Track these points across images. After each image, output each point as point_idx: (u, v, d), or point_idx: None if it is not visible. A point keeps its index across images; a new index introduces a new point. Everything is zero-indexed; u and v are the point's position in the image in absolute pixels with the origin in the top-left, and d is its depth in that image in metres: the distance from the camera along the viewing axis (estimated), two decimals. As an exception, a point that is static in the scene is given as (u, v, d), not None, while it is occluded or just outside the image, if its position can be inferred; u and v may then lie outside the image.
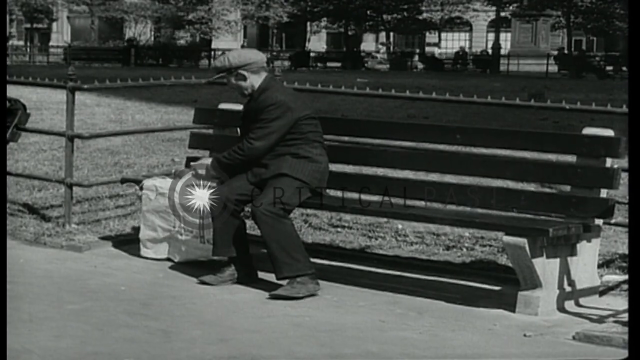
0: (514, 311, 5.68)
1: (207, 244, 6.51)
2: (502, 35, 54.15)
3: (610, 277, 6.32)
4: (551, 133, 7.34)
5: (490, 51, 54.92)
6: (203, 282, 6.20)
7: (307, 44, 60.76)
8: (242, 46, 57.32)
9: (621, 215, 7.09)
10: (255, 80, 6.35)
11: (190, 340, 5.04)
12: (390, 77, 34.89)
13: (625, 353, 4.72)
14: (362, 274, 6.56)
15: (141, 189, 6.84)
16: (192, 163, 6.68)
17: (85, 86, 7.98)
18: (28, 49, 60.13)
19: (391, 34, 60.89)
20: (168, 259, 6.72)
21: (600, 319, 5.53)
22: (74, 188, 7.90)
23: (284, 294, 5.93)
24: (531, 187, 7.56)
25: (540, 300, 5.64)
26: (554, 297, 5.74)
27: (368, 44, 64.50)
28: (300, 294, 5.92)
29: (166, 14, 60.67)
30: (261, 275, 6.30)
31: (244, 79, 6.34)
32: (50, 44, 63.03)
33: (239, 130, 6.67)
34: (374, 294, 6.06)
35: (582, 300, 5.88)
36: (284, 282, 6.00)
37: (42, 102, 15.81)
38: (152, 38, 62.12)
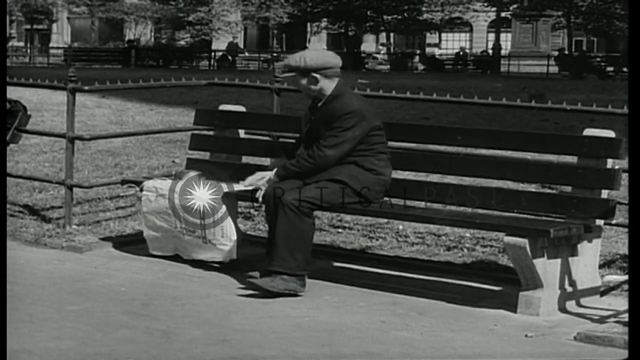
0: (515, 311, 5.67)
1: (209, 244, 6.51)
2: (503, 36, 54.12)
3: (611, 278, 6.32)
4: (552, 134, 7.34)
5: (490, 52, 54.91)
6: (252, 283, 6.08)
7: (307, 45, 60.75)
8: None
9: (622, 215, 7.08)
10: (326, 86, 6.18)
11: (191, 340, 5.04)
12: (391, 78, 34.89)
13: (626, 353, 4.71)
14: (363, 274, 6.56)
15: (141, 190, 6.84)
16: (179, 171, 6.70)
17: (86, 87, 7.97)
18: (28, 50, 60.09)
19: (391, 34, 60.89)
20: (176, 256, 6.73)
21: (602, 320, 5.53)
22: (75, 189, 7.90)
23: (258, 283, 5.90)
24: (532, 187, 7.56)
25: (541, 301, 5.64)
26: (555, 297, 5.73)
27: (368, 44, 64.47)
28: (275, 289, 5.86)
29: (166, 14, 60.68)
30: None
31: (315, 82, 6.16)
32: (51, 45, 63.01)
33: (303, 134, 6.39)
34: (374, 294, 6.06)
35: (583, 301, 5.88)
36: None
37: (42, 104, 15.80)
38: (153, 39, 62.12)
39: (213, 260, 6.54)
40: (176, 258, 6.75)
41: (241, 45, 62.84)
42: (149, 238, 6.84)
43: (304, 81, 6.18)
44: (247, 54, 56.43)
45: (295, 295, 5.92)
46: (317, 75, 6.14)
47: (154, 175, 8.23)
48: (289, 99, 8.85)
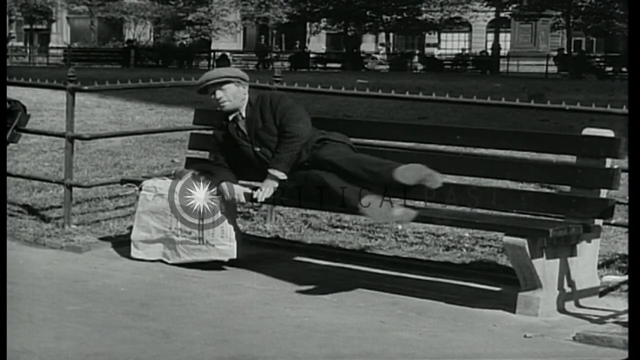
0: (514, 312, 5.68)
1: (206, 245, 6.51)
2: (502, 36, 54.15)
3: (610, 278, 6.32)
4: (551, 134, 7.35)
5: (489, 52, 54.93)
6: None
7: (306, 45, 60.74)
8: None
9: (621, 215, 7.09)
10: (247, 94, 6.55)
11: (190, 340, 5.04)
12: (390, 78, 34.91)
13: (625, 354, 4.72)
14: (362, 274, 6.56)
15: (140, 189, 6.84)
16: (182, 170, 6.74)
17: (85, 87, 7.98)
18: (28, 50, 60.07)
19: (391, 34, 60.89)
20: (160, 261, 6.70)
21: (601, 320, 5.53)
22: (74, 189, 7.90)
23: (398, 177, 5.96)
24: (531, 187, 7.56)
25: (540, 301, 5.64)
26: (554, 297, 5.74)
27: (368, 44, 64.49)
28: (412, 179, 5.94)
29: (166, 14, 60.67)
30: (262, 276, 6.31)
31: (244, 89, 6.51)
32: (50, 45, 62.99)
33: (246, 142, 6.49)
34: (373, 294, 6.06)
35: (582, 301, 5.88)
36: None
37: (42, 104, 15.82)
38: (152, 39, 62.10)
39: (211, 260, 6.53)
40: (175, 258, 6.75)
41: (240, 46, 62.84)
42: (136, 240, 6.80)
43: (234, 89, 6.49)
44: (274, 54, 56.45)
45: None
46: (245, 84, 6.54)
47: (153, 174, 8.24)
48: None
